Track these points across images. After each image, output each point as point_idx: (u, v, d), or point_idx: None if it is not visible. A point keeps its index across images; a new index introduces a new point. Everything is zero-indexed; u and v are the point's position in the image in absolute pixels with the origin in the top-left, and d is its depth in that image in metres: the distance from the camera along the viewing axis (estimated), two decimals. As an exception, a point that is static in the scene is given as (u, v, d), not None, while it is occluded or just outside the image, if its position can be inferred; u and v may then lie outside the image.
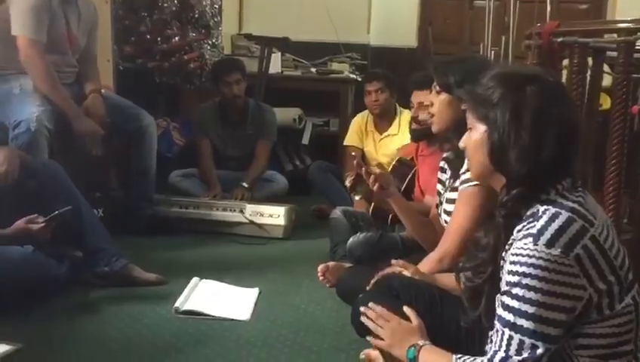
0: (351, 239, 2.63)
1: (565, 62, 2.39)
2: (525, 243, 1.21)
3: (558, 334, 1.21)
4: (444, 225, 2.01)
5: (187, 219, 3.45)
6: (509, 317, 1.21)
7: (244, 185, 3.74)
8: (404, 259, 1.94)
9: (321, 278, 2.46)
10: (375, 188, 2.17)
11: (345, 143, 4.00)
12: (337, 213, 2.91)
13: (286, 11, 5.14)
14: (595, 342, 1.25)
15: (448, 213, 1.99)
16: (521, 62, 2.89)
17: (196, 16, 4.21)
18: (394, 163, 3.14)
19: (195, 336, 2.15)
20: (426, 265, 1.94)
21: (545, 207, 1.24)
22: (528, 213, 1.27)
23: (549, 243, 1.19)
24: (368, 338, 1.59)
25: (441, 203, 2.10)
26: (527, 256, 1.20)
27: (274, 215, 3.43)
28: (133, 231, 3.20)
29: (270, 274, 2.82)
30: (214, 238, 3.34)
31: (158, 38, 4.02)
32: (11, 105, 2.88)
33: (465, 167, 1.86)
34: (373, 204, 2.86)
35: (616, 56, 2.14)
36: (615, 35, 2.18)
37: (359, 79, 4.61)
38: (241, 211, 3.44)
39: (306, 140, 4.73)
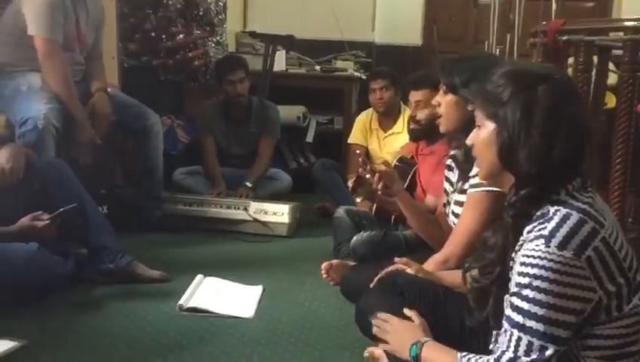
0: (354, 238, 2.63)
1: (570, 60, 2.39)
2: (537, 245, 1.20)
3: (568, 336, 1.20)
4: (452, 225, 2.00)
5: (191, 217, 3.45)
6: (519, 318, 1.21)
7: (248, 184, 3.74)
8: (407, 257, 1.93)
9: (325, 276, 2.47)
10: (379, 187, 2.16)
11: (349, 141, 4.00)
12: (341, 212, 2.91)
13: (291, 9, 5.14)
14: (603, 342, 1.24)
15: (456, 215, 1.98)
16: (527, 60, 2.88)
17: (201, 13, 4.20)
18: (394, 163, 3.14)
19: (199, 334, 2.14)
20: (431, 265, 1.93)
21: (555, 207, 1.23)
22: (538, 213, 1.26)
23: (561, 245, 1.18)
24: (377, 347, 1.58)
25: (448, 203, 2.09)
26: (539, 257, 1.19)
27: (278, 213, 3.43)
28: (142, 229, 3.20)
29: (274, 272, 2.82)
30: (218, 236, 3.35)
31: (163, 36, 4.01)
32: (18, 102, 2.85)
33: (474, 170, 1.85)
34: (375, 205, 2.85)
35: (621, 55, 2.14)
36: (621, 34, 2.18)
37: (364, 77, 4.61)
38: (245, 209, 3.45)
39: (310, 138, 4.73)
